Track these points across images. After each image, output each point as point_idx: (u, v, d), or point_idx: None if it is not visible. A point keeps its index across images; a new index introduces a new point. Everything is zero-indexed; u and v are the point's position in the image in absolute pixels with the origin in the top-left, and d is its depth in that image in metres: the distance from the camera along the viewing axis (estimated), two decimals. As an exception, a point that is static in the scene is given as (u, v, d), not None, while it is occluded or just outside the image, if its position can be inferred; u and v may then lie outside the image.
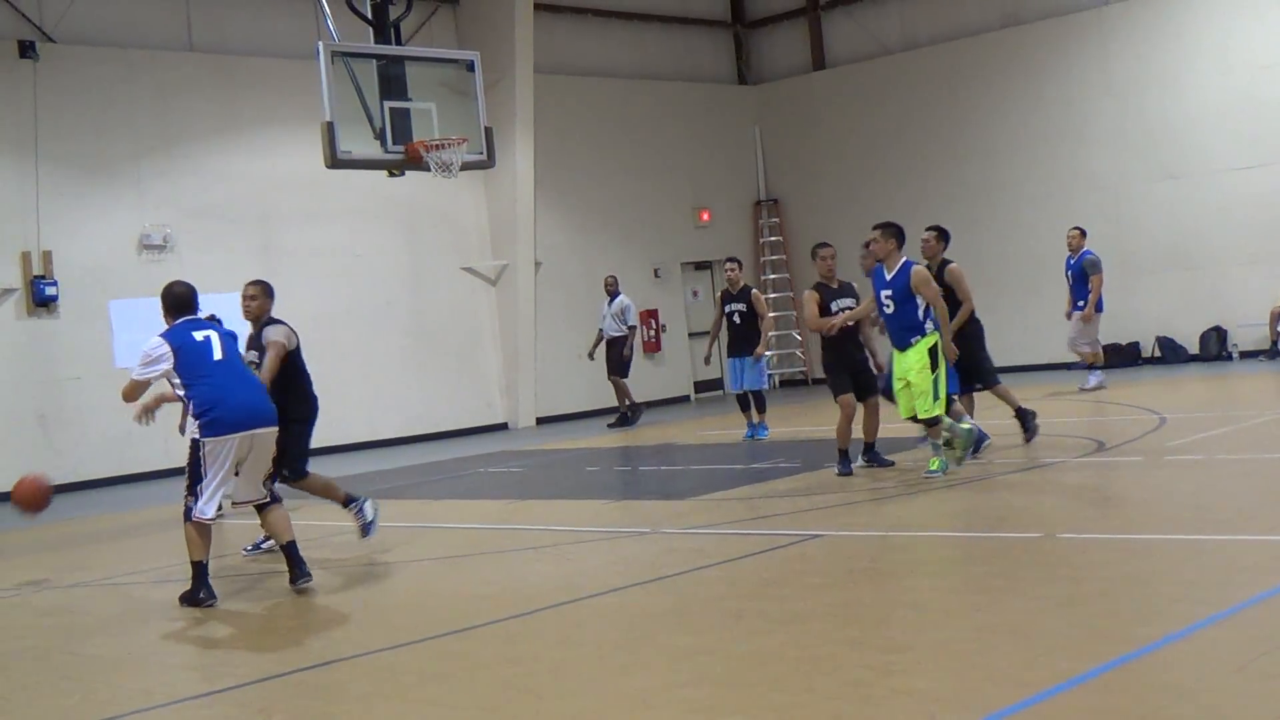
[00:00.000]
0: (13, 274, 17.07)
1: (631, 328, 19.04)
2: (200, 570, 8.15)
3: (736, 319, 15.37)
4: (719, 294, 15.98)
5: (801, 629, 6.12)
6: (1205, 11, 20.37)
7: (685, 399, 24.01)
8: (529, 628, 6.76)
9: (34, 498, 10.13)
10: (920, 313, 10.41)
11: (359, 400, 19.42)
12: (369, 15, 12.81)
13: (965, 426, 10.43)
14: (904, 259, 10.68)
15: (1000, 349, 21.94)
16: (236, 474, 8.25)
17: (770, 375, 24.88)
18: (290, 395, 9.61)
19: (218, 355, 8.42)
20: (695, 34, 25.45)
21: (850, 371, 11.34)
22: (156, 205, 18.30)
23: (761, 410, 15.31)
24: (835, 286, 11.83)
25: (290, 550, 8.33)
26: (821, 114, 24.89)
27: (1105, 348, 20.89)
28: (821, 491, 10.37)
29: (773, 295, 25.03)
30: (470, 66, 13.10)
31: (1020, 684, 4.82)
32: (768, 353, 15.62)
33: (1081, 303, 16.94)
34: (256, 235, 19.19)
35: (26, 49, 17.13)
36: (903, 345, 10.48)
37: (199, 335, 8.50)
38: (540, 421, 21.28)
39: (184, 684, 6.23)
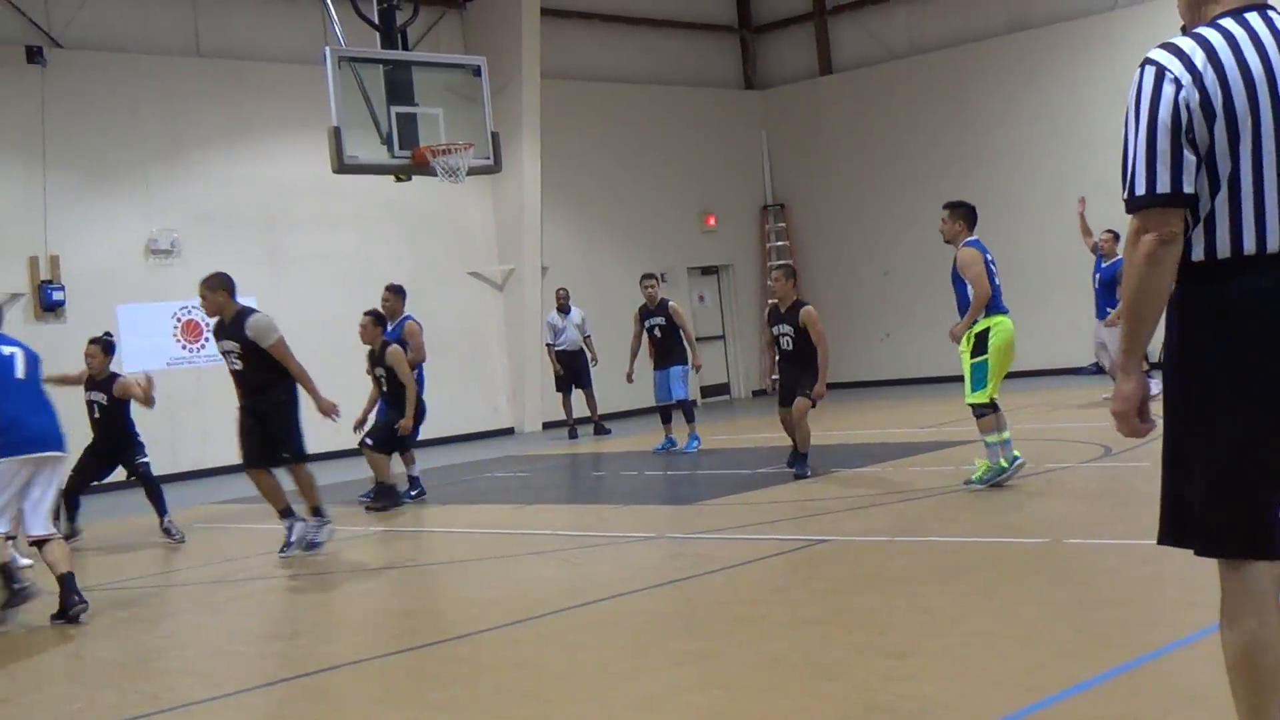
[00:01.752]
0: (20, 279, 17.10)
1: (588, 338, 19.13)
2: None
3: (657, 333, 15.35)
4: (638, 309, 15.75)
5: (808, 634, 6.10)
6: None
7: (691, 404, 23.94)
8: (535, 632, 6.74)
9: None
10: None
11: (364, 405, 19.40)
12: (376, 20, 12.83)
13: (993, 445, 9.89)
14: (967, 239, 10.49)
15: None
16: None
17: (775, 380, 24.93)
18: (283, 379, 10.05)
19: (19, 374, 8.13)
20: (702, 39, 25.45)
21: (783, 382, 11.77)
22: (164, 210, 18.33)
23: (690, 420, 15.32)
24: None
25: (66, 581, 8.06)
26: (828, 119, 24.88)
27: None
28: (828, 496, 10.35)
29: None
30: (477, 71, 13.12)
31: (1028, 690, 4.80)
32: (684, 366, 15.33)
33: (1109, 309, 16.50)
34: (264, 240, 19.22)
35: (34, 55, 17.18)
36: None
37: (5, 350, 8.21)
38: (546, 426, 21.26)
39: (189, 689, 6.22)
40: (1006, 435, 9.93)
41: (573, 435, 19.02)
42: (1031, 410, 15.69)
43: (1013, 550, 7.63)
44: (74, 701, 6.26)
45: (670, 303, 15.63)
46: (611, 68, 23.82)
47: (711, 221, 24.77)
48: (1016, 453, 9.90)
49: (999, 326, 9.86)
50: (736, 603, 6.96)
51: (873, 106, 24.18)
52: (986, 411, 9.88)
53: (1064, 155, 21.74)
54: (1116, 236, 15.89)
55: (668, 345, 15.32)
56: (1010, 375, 12.63)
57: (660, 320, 15.37)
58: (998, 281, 10.09)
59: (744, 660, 5.73)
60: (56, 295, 17.17)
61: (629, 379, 16.00)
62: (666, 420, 15.55)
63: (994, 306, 9.99)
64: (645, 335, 15.55)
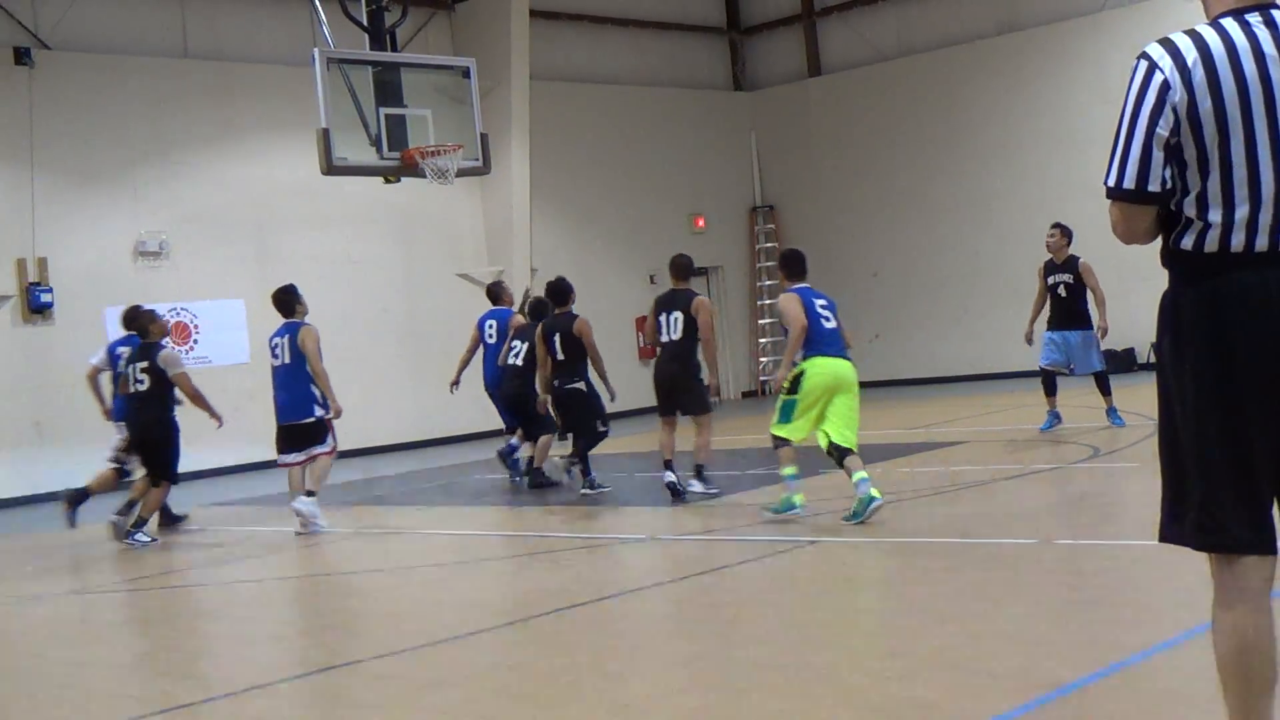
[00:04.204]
0: (8, 281, 17.06)
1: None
2: None
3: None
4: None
5: (798, 636, 6.11)
6: (1200, 17, 20.38)
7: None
8: (525, 635, 6.75)
9: None
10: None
11: (354, 406, 19.28)
12: (364, 22, 12.82)
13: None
14: (790, 286, 10.09)
15: (999, 356, 22.11)
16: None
17: (765, 382, 24.94)
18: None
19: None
20: (691, 40, 25.47)
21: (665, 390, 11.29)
22: (152, 212, 18.29)
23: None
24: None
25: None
26: (817, 120, 24.91)
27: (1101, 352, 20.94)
28: (818, 499, 10.36)
29: (768, 301, 25.06)
30: (466, 73, 13.11)
31: (1017, 690, 4.82)
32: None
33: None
34: (252, 242, 19.19)
35: (22, 56, 17.13)
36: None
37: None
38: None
39: (181, 692, 6.22)
40: (862, 475, 9.21)
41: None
42: (1021, 411, 15.72)
43: (1003, 551, 7.65)
44: (65, 705, 6.25)
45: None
46: (600, 69, 23.83)
47: (701, 223, 24.78)
48: (875, 493, 9.05)
49: (814, 369, 9.56)
50: (727, 604, 6.97)
51: (862, 108, 24.22)
52: (782, 444, 9.57)
53: (1052, 156, 21.79)
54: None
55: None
56: (1000, 377, 12.67)
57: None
58: (828, 325, 9.82)
59: (735, 662, 5.74)
60: (44, 297, 17.13)
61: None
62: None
63: (814, 349, 9.74)
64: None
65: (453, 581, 8.78)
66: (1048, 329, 13.38)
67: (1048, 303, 13.44)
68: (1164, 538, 3.45)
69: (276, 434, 11.52)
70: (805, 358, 9.66)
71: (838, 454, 9.35)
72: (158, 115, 18.40)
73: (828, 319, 9.91)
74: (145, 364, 11.53)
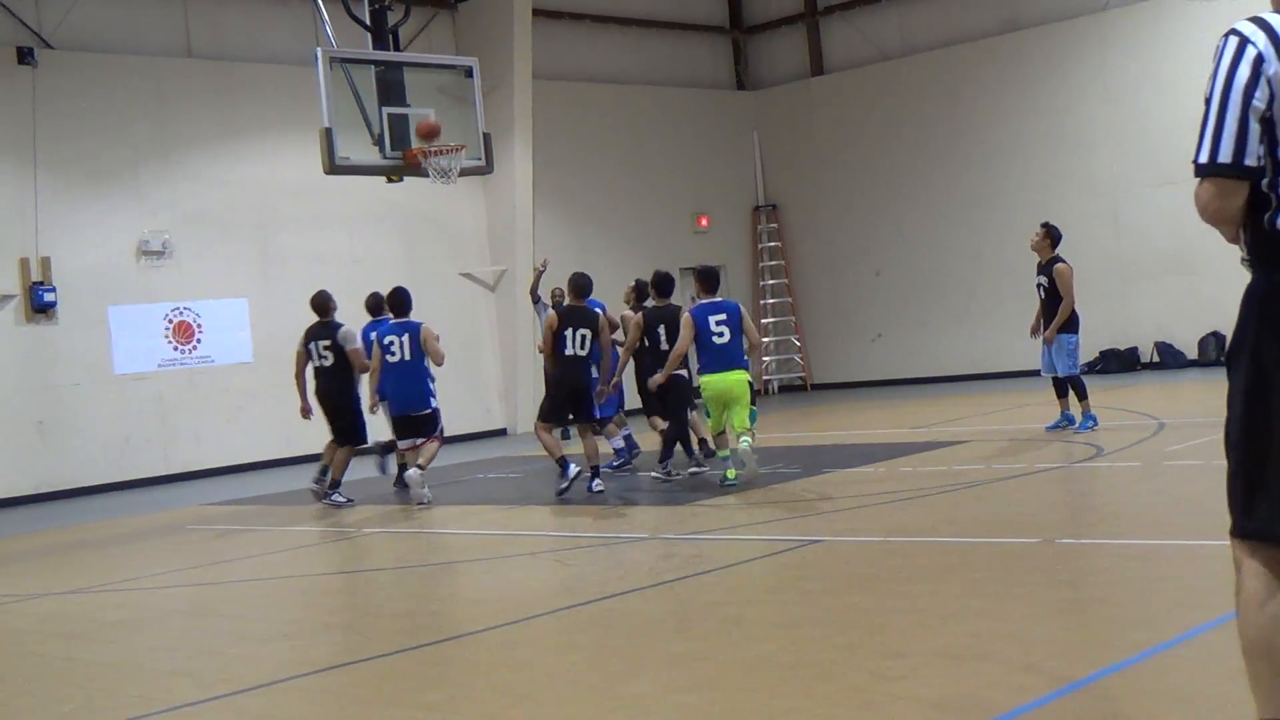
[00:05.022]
0: (11, 280, 17.08)
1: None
2: None
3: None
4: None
5: (800, 635, 6.12)
6: (1204, 17, 20.37)
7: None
8: (527, 634, 6.75)
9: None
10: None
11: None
12: (367, 21, 12.82)
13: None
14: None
15: (1001, 355, 22.11)
16: None
17: (769, 381, 24.95)
18: None
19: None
20: (694, 39, 25.47)
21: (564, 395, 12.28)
22: (155, 211, 18.31)
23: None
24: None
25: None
26: (820, 119, 24.91)
27: (1104, 352, 20.95)
28: (821, 497, 10.37)
29: (771, 300, 25.07)
30: (469, 72, 13.11)
31: (1019, 689, 4.82)
32: None
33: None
34: (255, 241, 19.21)
35: (25, 55, 17.16)
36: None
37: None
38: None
39: (182, 690, 6.23)
40: (725, 454, 11.48)
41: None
42: (1024, 410, 15.73)
43: (1005, 550, 7.65)
44: (67, 703, 6.26)
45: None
46: (603, 69, 23.84)
47: (704, 222, 24.79)
48: (731, 474, 11.30)
49: (706, 388, 11.35)
50: (729, 603, 6.98)
51: (864, 107, 24.22)
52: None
53: (1055, 155, 21.80)
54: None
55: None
56: (1003, 376, 12.65)
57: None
58: (719, 341, 11.25)
59: (737, 661, 5.75)
60: (48, 296, 17.14)
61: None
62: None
63: (704, 367, 11.38)
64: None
65: (454, 580, 8.79)
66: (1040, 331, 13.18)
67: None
68: (1242, 533, 3.39)
69: (394, 423, 12.91)
70: (700, 372, 11.36)
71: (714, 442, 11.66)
72: (160, 114, 18.43)
73: (720, 334, 11.21)
74: (328, 341, 13.00)
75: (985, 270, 22.71)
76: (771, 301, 25.00)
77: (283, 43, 19.48)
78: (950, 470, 11.20)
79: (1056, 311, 12.83)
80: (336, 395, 13.09)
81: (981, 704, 4.70)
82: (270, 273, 19.32)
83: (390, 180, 13.25)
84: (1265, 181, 3.26)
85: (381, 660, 6.43)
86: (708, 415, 11.66)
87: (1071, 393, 12.96)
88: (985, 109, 22.65)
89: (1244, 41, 3.26)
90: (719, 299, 11.54)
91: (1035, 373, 14.17)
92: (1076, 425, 12.78)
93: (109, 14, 18.31)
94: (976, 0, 22.93)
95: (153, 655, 7.34)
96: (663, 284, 12.72)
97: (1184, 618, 5.67)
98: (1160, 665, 5.06)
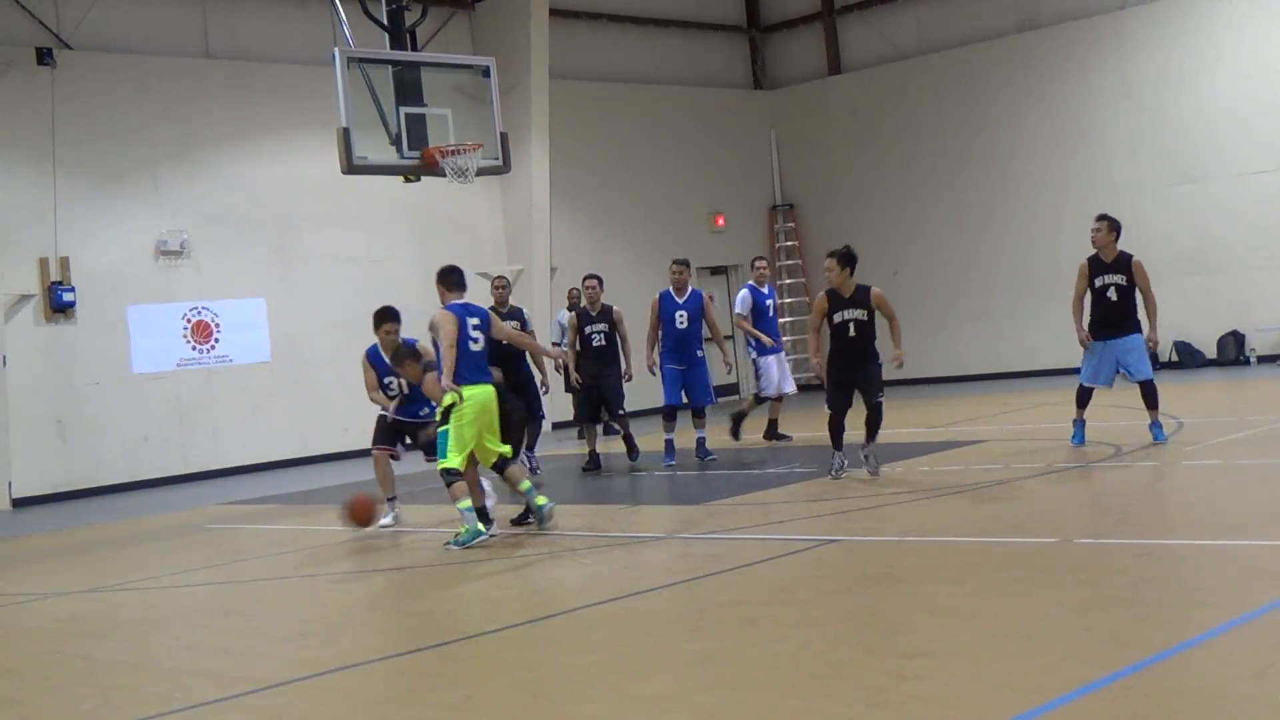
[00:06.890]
0: (31, 280, 17.16)
1: None
2: None
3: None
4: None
5: (817, 634, 6.10)
6: (1223, 15, 20.30)
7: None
8: (544, 633, 6.75)
9: (363, 512, 10.83)
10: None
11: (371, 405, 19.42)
12: (385, 21, 12.83)
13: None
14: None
15: (1018, 353, 22.04)
16: None
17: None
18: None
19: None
20: (710, 39, 25.45)
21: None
22: (174, 211, 18.38)
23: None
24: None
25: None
26: (837, 119, 24.87)
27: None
28: (837, 496, 10.35)
29: (788, 300, 25.03)
30: (486, 72, 13.11)
31: (1037, 690, 4.80)
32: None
33: None
34: (273, 241, 19.26)
35: (44, 56, 17.25)
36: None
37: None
38: (556, 426, 21.27)
39: (200, 689, 6.24)
40: (527, 485, 10.01)
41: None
42: (1042, 410, 15.68)
43: (1022, 550, 7.62)
44: (85, 702, 6.28)
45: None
46: (620, 68, 23.84)
47: (720, 221, 24.77)
48: (542, 500, 10.01)
49: (466, 400, 9.65)
50: (745, 603, 6.96)
51: (882, 106, 24.17)
52: (452, 479, 9.66)
53: (1074, 154, 21.72)
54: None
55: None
56: (1020, 376, 12.57)
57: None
58: (474, 348, 9.90)
59: (753, 660, 5.74)
60: (67, 296, 17.22)
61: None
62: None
63: (462, 376, 9.71)
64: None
65: (470, 579, 8.79)
66: (1091, 337, 11.90)
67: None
68: None
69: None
70: (459, 383, 9.69)
71: (500, 465, 9.88)
72: (179, 115, 18.49)
73: (475, 340, 9.92)
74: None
75: (1003, 270, 22.65)
76: (788, 300, 24.95)
77: (300, 43, 19.52)
78: (968, 470, 11.17)
79: (1126, 313, 11.66)
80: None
81: (1000, 705, 4.68)
82: (288, 273, 19.36)
83: (407, 180, 13.25)
84: None
85: (398, 659, 6.44)
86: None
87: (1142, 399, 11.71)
88: (1003, 108, 22.58)
89: None
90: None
91: (1052, 372, 14.08)
92: (1158, 435, 11.50)
93: (127, 15, 18.38)
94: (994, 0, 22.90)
95: (171, 654, 7.37)
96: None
97: (1204, 618, 5.64)
98: (1180, 665, 5.03)
